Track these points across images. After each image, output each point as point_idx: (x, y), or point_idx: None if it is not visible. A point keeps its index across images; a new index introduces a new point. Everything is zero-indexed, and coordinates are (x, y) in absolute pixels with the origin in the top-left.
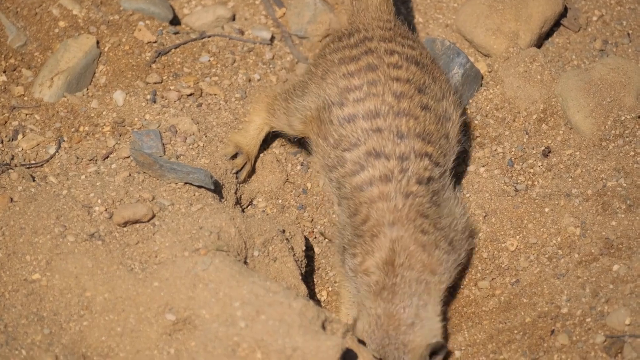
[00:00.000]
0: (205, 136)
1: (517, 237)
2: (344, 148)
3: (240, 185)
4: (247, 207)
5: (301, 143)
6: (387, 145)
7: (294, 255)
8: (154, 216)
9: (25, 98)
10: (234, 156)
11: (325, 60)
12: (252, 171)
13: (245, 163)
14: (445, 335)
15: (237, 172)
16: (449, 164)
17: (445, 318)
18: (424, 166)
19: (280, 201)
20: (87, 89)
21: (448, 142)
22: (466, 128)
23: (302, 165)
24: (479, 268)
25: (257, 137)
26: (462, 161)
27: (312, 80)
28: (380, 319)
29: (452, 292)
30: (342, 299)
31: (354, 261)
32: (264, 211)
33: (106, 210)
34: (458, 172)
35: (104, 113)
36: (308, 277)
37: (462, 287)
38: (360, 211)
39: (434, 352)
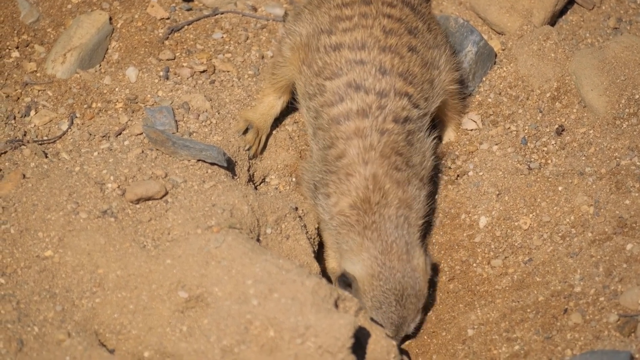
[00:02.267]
0: (218, 113)
1: (531, 215)
2: (325, 76)
3: (253, 162)
4: (260, 184)
5: None
6: (368, 79)
7: (307, 232)
8: (166, 193)
9: (38, 74)
10: (246, 132)
11: None
12: (264, 147)
13: (256, 138)
14: (425, 248)
15: (248, 149)
16: (431, 109)
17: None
18: (402, 105)
19: (293, 178)
20: (100, 66)
21: (432, 88)
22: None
23: None
24: (492, 246)
25: (267, 113)
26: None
27: (307, 7)
28: (378, 259)
29: (427, 227)
30: (326, 240)
31: (328, 202)
32: (276, 188)
33: (119, 187)
34: (470, 150)
35: (117, 89)
36: (320, 254)
37: (475, 265)
38: (335, 145)
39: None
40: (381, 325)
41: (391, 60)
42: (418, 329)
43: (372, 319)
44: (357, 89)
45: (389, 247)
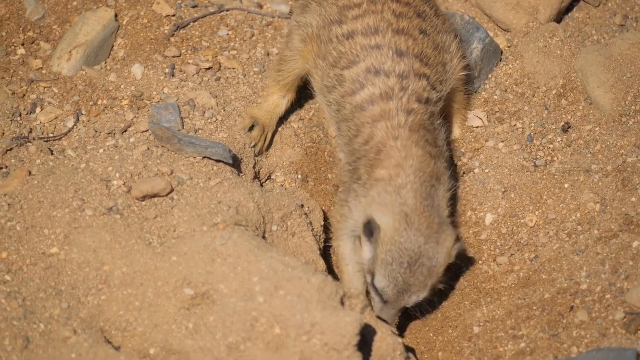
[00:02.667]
0: (224, 110)
1: (537, 212)
2: (342, 66)
3: (259, 159)
4: (266, 181)
5: (320, 117)
6: (387, 62)
7: (313, 230)
8: (172, 190)
9: (44, 71)
10: (251, 129)
11: None
12: (269, 144)
13: (261, 135)
14: (458, 234)
15: (254, 145)
16: (443, 94)
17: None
18: (423, 86)
19: (299, 175)
20: (105, 62)
21: (445, 71)
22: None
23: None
24: (498, 244)
25: (273, 111)
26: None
27: (314, 0)
28: (409, 217)
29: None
30: (343, 229)
31: (361, 182)
32: (282, 185)
33: (124, 184)
34: (476, 147)
35: (122, 86)
36: (326, 251)
37: (480, 262)
38: (361, 132)
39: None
40: (386, 322)
41: (405, 42)
42: (419, 309)
43: (378, 317)
44: (377, 73)
45: (422, 210)
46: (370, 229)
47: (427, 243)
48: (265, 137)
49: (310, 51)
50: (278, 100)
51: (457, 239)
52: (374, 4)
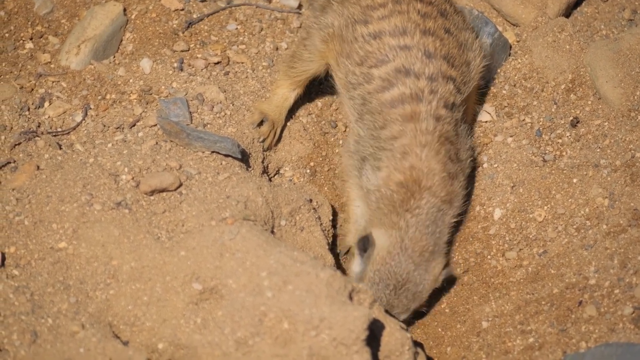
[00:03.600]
0: (233, 105)
1: (545, 207)
2: (370, 64)
3: (267, 154)
4: (274, 176)
5: (329, 112)
6: (416, 64)
7: (321, 224)
8: (180, 185)
9: (52, 65)
10: (260, 124)
11: None
12: (279, 140)
13: (271, 131)
14: (448, 260)
15: (262, 141)
16: (465, 96)
17: (450, 244)
18: (449, 90)
19: (307, 170)
20: (114, 57)
21: (469, 70)
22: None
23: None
24: (507, 239)
25: (282, 105)
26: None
27: (334, 0)
28: (404, 243)
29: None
30: (350, 216)
31: (378, 174)
32: (291, 180)
33: (133, 178)
34: (484, 142)
35: (131, 81)
36: (334, 246)
37: (489, 257)
38: (390, 127)
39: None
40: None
41: (433, 43)
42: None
43: (386, 311)
44: (407, 74)
45: (419, 238)
46: (365, 244)
47: (416, 270)
48: (275, 133)
49: (332, 50)
50: (287, 93)
51: (447, 264)
52: (399, 4)
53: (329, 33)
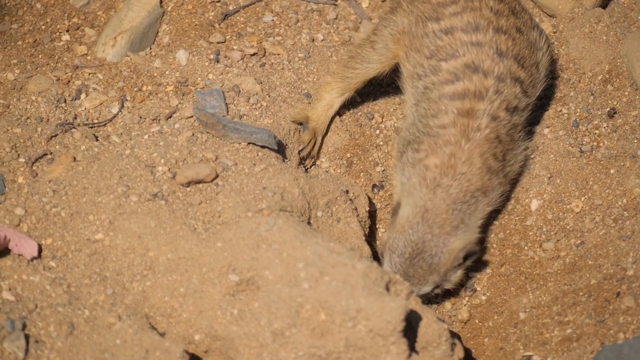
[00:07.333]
0: (269, 96)
1: (582, 198)
2: (440, 58)
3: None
4: (311, 167)
5: (366, 103)
6: (486, 61)
7: (358, 216)
8: (217, 176)
9: (89, 57)
10: (299, 125)
11: None
12: (319, 148)
13: (311, 140)
14: (481, 248)
15: (302, 149)
16: (533, 99)
17: (483, 232)
18: (515, 93)
19: (344, 161)
20: (150, 49)
21: (538, 72)
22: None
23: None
24: (544, 229)
25: (326, 113)
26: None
27: (404, 1)
28: (427, 212)
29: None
30: (394, 189)
31: (416, 155)
32: (327, 171)
33: (169, 170)
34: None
35: (167, 72)
36: (371, 237)
37: (526, 248)
38: (440, 117)
39: (466, 256)
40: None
41: (506, 42)
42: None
43: (422, 302)
44: (476, 71)
45: (443, 211)
46: (396, 210)
47: (433, 240)
48: (315, 142)
49: (402, 46)
50: (334, 98)
51: (475, 244)
52: (472, 1)
53: (399, 31)
